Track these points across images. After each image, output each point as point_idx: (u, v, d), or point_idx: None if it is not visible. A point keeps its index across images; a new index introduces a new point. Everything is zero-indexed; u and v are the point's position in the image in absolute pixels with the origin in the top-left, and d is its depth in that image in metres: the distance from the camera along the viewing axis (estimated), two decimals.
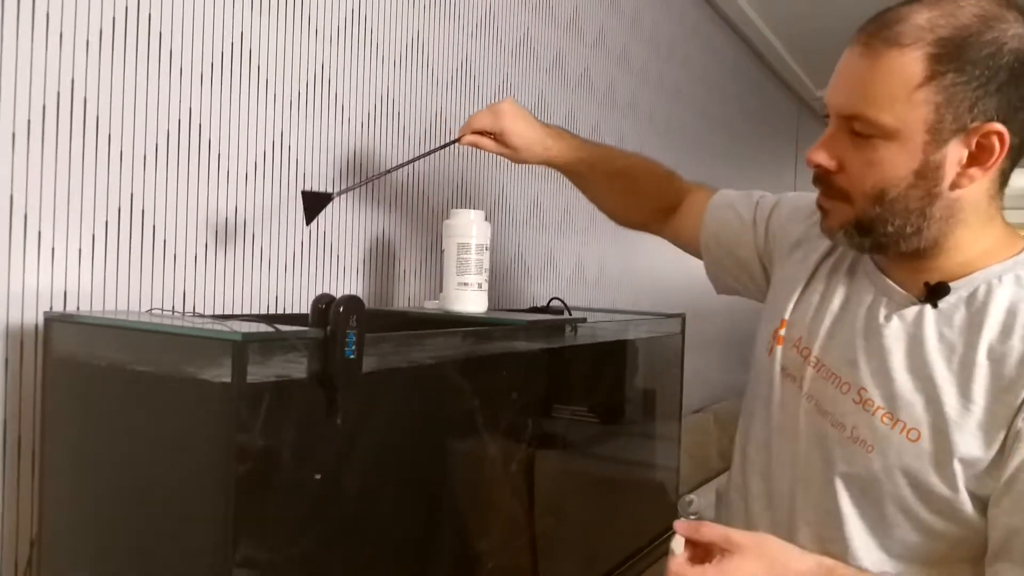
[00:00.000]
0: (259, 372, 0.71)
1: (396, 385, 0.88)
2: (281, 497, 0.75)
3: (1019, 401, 0.78)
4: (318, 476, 0.78)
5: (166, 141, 1.05)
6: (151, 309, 1.01)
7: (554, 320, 1.19)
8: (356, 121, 1.35)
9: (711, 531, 0.77)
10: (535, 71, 1.86)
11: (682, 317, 1.65)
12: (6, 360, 0.89)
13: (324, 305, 0.78)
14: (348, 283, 1.34)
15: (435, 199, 1.53)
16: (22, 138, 0.90)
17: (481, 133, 1.17)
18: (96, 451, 0.83)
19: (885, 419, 0.84)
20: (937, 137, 0.77)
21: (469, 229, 1.17)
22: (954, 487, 0.80)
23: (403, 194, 1.46)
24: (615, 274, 2.32)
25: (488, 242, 1.20)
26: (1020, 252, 0.85)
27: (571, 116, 2.02)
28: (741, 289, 1.16)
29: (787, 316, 0.97)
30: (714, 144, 3.12)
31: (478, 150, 1.27)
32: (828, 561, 0.78)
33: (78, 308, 0.96)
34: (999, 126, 0.75)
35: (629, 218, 1.31)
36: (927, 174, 0.78)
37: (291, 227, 1.23)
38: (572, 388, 1.27)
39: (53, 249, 0.93)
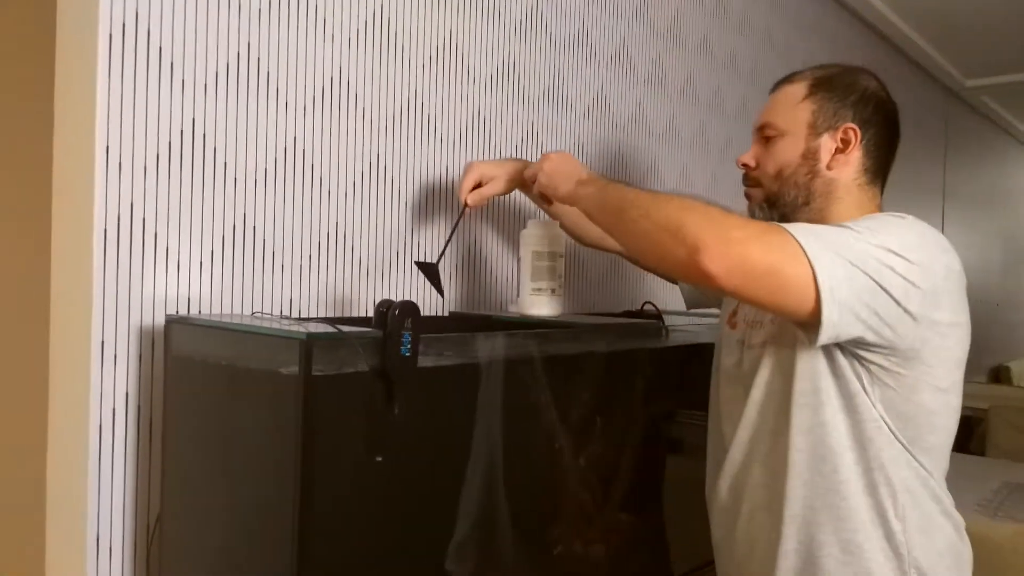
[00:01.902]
0: (327, 367, 0.83)
1: (457, 380, 0.98)
2: (345, 477, 0.86)
3: None
4: (379, 458, 0.89)
5: (274, 166, 1.21)
6: (254, 313, 1.17)
7: (615, 323, 1.25)
8: (448, 140, 1.47)
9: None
10: (631, 82, 1.92)
11: None
12: (139, 356, 1.06)
13: (384, 309, 0.89)
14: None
15: (525, 210, 1.62)
16: (152, 169, 1.07)
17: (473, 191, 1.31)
18: (203, 437, 0.99)
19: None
20: (813, 131, 1.15)
21: (543, 238, 1.25)
22: None
23: (496, 206, 1.56)
24: None
25: (562, 250, 1.28)
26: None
27: (672, 122, 2.06)
28: (707, 302, 1.46)
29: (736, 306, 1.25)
30: None
31: None
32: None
33: (199, 312, 1.13)
34: (854, 125, 1.14)
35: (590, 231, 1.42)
36: (809, 156, 1.15)
37: (387, 238, 1.36)
38: (650, 389, 1.32)
39: (179, 262, 1.10)
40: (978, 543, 1.16)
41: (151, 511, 1.08)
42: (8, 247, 1.61)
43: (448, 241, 1.39)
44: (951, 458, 1.12)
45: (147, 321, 1.07)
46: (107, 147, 1.03)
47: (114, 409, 1.04)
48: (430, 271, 1.27)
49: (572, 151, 1.74)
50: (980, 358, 4.51)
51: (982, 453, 3.41)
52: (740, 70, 2.36)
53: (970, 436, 3.50)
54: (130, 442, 1.06)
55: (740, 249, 0.94)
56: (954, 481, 1.12)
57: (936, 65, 3.77)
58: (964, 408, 1.12)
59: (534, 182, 1.26)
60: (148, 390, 1.08)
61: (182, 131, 1.10)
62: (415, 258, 1.41)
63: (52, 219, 1.08)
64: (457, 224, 1.35)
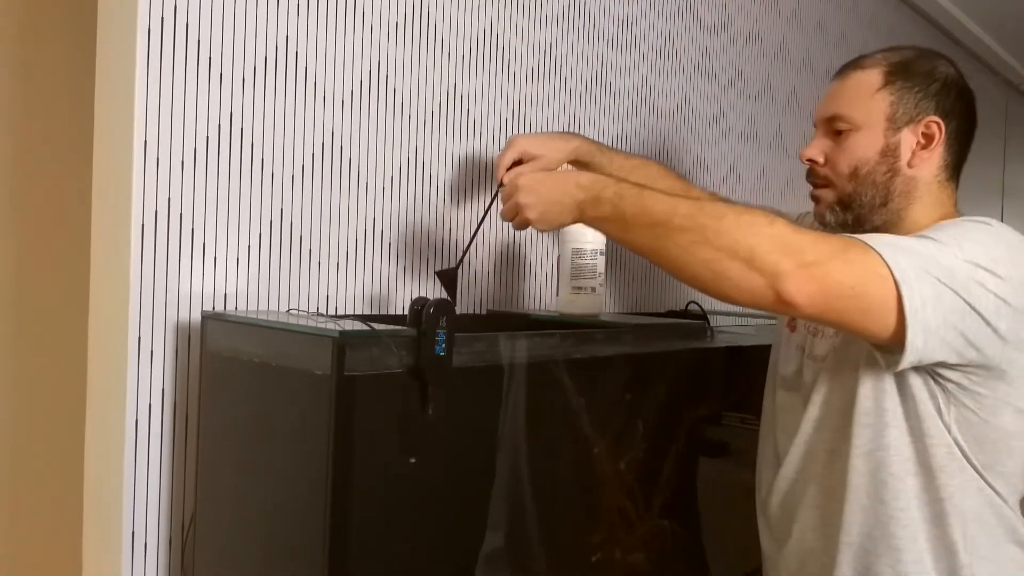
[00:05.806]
0: (360, 365, 0.81)
1: (493, 381, 0.96)
2: (377, 479, 0.84)
3: None
4: (412, 460, 0.86)
5: (311, 162, 1.19)
6: (289, 310, 1.16)
7: (658, 323, 1.21)
8: (488, 135, 1.44)
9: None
10: (677, 73, 1.87)
11: None
12: (175, 352, 1.06)
13: (419, 306, 0.87)
14: (478, 286, 1.43)
15: None
16: (189, 165, 1.06)
17: (511, 168, 1.20)
18: (237, 435, 0.98)
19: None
20: (893, 124, 1.03)
21: (583, 235, 1.22)
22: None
23: None
24: None
25: (603, 247, 1.24)
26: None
27: (720, 114, 2.01)
28: None
29: None
30: None
31: None
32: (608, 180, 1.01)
33: (236, 308, 1.12)
34: (937, 118, 1.03)
35: None
36: (888, 152, 1.04)
37: (426, 235, 1.34)
38: (693, 392, 1.28)
39: (215, 258, 1.09)
40: None
41: (186, 508, 1.07)
42: (47, 242, 1.63)
43: (480, 222, 1.27)
44: None
45: (183, 317, 1.07)
46: (145, 141, 1.02)
47: (150, 405, 1.04)
48: (447, 278, 1.18)
49: (616, 145, 1.70)
50: None
51: None
52: (791, 60, 2.30)
53: None
54: (166, 438, 1.05)
55: (822, 272, 0.87)
56: None
57: (996, 58, 3.63)
58: None
59: (521, 226, 1.06)
60: (184, 386, 1.07)
61: (219, 126, 1.09)
62: (455, 257, 1.39)
63: (91, 214, 1.08)
64: (491, 207, 1.25)
